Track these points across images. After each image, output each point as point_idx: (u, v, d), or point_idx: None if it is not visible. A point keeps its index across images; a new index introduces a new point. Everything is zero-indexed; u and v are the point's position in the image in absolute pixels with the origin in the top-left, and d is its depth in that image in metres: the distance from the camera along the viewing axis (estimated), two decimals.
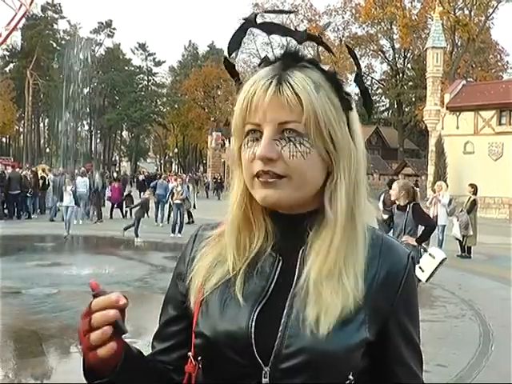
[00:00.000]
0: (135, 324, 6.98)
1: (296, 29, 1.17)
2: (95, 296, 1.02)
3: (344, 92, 1.12)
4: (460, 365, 6.13)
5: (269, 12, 1.34)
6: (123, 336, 1.06)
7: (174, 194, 17.90)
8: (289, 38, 1.17)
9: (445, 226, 14.84)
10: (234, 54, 1.18)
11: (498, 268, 12.77)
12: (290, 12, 1.49)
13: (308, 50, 1.32)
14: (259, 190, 1.09)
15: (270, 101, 1.06)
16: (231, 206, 1.17)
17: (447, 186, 16.85)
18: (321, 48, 1.15)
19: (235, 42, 1.17)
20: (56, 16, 74.87)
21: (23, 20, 37.93)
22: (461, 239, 14.46)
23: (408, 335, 1.15)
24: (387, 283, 1.12)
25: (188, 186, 20.70)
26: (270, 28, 1.17)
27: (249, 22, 1.15)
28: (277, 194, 1.08)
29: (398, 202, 7.64)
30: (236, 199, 1.16)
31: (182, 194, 17.58)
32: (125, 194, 23.97)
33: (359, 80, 1.18)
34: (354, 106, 1.13)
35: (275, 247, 1.15)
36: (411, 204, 7.37)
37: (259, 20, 1.15)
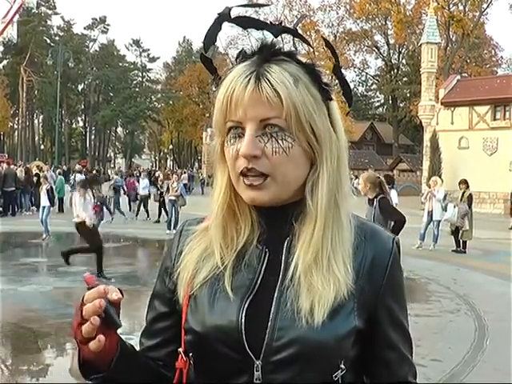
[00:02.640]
0: (131, 319, 6.98)
1: (271, 22, 1.15)
2: (90, 290, 1.03)
3: (323, 83, 1.11)
4: (455, 359, 6.15)
5: (243, 6, 1.31)
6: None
7: (169, 190, 17.87)
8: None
9: (440, 221, 14.87)
10: (210, 49, 1.16)
11: (493, 263, 12.82)
12: (265, 5, 1.47)
13: (302, 46, 1.31)
14: (246, 191, 1.10)
15: (250, 98, 1.06)
16: (216, 200, 1.17)
17: (442, 182, 16.88)
18: (316, 45, 1.15)
19: (211, 37, 1.15)
20: (50, 12, 74.54)
21: (19, 13, 37.51)
22: (458, 225, 14.35)
23: (396, 319, 1.16)
24: (374, 269, 1.13)
25: (185, 185, 20.86)
26: (244, 22, 1.16)
27: (223, 16, 1.14)
28: (264, 195, 1.09)
29: (368, 196, 7.31)
30: (220, 193, 1.16)
31: (177, 191, 17.55)
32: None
33: (337, 71, 1.18)
34: (333, 96, 1.13)
35: (261, 239, 1.15)
36: (378, 197, 7.05)
37: (236, 14, 1.14)
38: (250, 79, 1.07)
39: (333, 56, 1.19)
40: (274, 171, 1.08)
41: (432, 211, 14.91)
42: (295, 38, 1.15)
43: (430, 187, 15.75)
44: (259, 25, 1.16)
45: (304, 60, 1.12)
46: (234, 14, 1.14)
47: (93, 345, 1.01)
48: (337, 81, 1.20)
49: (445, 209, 14.75)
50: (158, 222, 19.79)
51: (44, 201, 15.99)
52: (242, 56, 1.13)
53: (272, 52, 1.10)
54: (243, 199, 1.14)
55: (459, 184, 15.07)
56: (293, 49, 1.13)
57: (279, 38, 1.13)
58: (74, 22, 78.92)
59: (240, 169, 1.08)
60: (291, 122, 1.07)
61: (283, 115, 1.06)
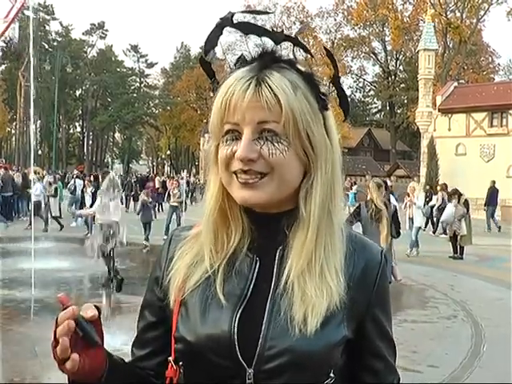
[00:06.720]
0: (126, 330, 6.97)
1: (273, 29, 1.17)
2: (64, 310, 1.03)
3: (320, 92, 1.12)
4: (452, 365, 6.16)
5: (245, 12, 1.32)
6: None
7: (170, 196, 17.82)
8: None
9: (419, 227, 14.81)
10: (211, 53, 1.17)
11: (490, 269, 12.84)
12: (265, 13, 1.48)
13: (300, 52, 1.32)
14: (238, 190, 1.10)
15: (249, 102, 1.06)
16: (208, 203, 1.17)
17: (431, 188, 16.78)
18: (314, 51, 1.16)
19: (212, 41, 1.16)
20: (48, 17, 74.57)
21: (18, 16, 37.46)
22: (455, 228, 14.31)
23: (383, 329, 1.19)
24: (364, 280, 1.15)
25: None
26: (246, 28, 1.17)
27: (225, 21, 1.15)
28: (257, 194, 1.09)
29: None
30: (213, 196, 1.16)
31: (179, 197, 17.51)
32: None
33: (336, 81, 1.19)
34: (329, 106, 1.14)
35: (252, 246, 1.15)
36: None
37: (237, 19, 1.15)
38: (250, 83, 1.07)
39: (332, 66, 1.19)
40: (272, 169, 1.08)
41: (413, 218, 14.93)
42: (295, 47, 1.16)
43: (408, 196, 15.61)
44: (261, 31, 1.17)
45: (303, 69, 1.12)
46: (236, 19, 1.15)
47: (67, 365, 1.01)
48: (334, 90, 1.21)
49: (428, 213, 14.66)
50: (47, 230, 17.72)
51: (89, 202, 17.45)
52: (242, 62, 1.13)
53: (272, 59, 1.11)
54: (235, 203, 1.14)
55: (449, 196, 14.99)
56: (292, 57, 1.14)
57: (278, 45, 1.14)
58: (73, 28, 78.48)
59: (235, 169, 1.09)
60: (289, 128, 1.08)
61: (281, 121, 1.07)
